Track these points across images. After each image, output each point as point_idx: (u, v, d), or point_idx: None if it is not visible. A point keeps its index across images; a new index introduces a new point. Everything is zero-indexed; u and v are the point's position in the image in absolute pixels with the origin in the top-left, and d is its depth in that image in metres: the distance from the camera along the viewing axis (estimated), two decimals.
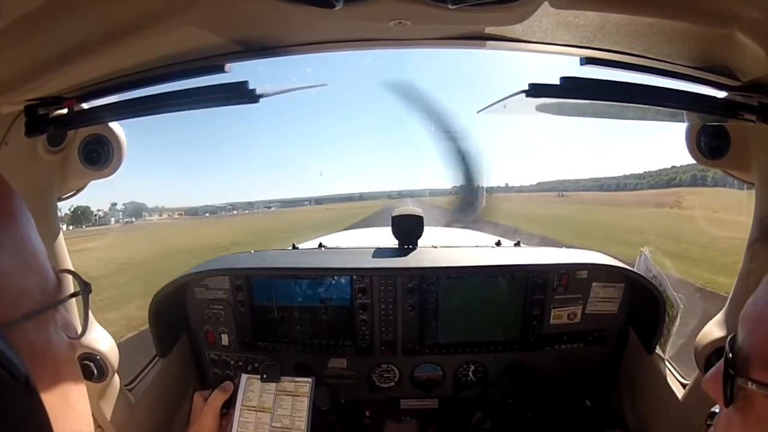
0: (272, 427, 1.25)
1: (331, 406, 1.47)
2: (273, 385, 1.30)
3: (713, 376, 0.55)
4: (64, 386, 0.47)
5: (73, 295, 0.54)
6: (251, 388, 1.30)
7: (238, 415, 1.26)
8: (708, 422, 0.58)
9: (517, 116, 1.16)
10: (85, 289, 0.55)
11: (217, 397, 1.27)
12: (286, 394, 1.28)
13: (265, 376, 1.30)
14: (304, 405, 1.26)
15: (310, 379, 1.29)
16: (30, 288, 0.44)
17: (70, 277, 0.58)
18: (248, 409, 1.27)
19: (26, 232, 0.45)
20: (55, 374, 0.45)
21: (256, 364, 1.59)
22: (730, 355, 0.52)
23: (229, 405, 1.29)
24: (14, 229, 0.44)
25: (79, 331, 0.53)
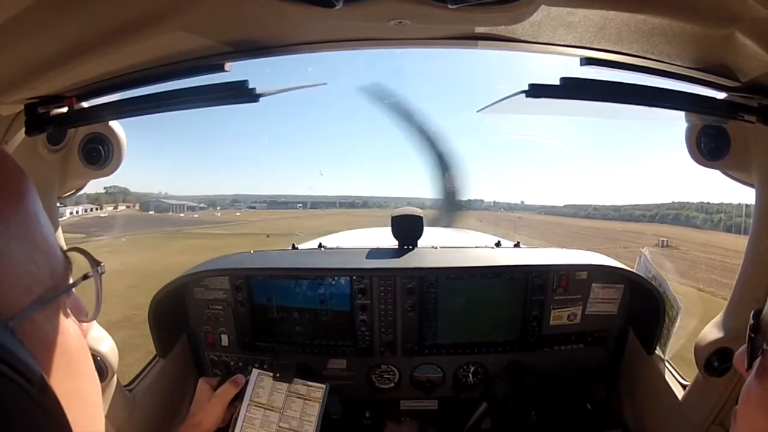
0: (280, 426, 1.23)
1: (341, 415, 1.46)
2: (285, 385, 1.28)
3: (741, 351, 0.58)
4: (78, 376, 0.45)
5: (86, 276, 0.50)
6: (261, 385, 1.29)
7: (245, 410, 1.25)
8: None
9: (516, 116, 1.16)
10: (97, 268, 0.51)
11: (228, 390, 1.23)
12: (298, 397, 1.27)
13: (278, 375, 1.28)
14: (315, 410, 1.24)
15: (324, 386, 1.27)
16: (39, 272, 0.41)
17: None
18: (256, 406, 1.26)
19: (34, 211, 0.43)
20: (68, 365, 0.43)
21: (255, 365, 1.58)
22: (752, 321, 0.55)
23: (235, 397, 1.27)
24: (22, 210, 0.42)
25: (90, 314, 0.50)
